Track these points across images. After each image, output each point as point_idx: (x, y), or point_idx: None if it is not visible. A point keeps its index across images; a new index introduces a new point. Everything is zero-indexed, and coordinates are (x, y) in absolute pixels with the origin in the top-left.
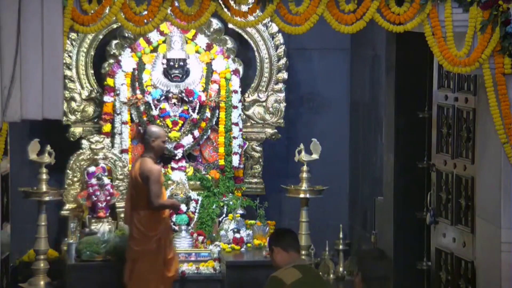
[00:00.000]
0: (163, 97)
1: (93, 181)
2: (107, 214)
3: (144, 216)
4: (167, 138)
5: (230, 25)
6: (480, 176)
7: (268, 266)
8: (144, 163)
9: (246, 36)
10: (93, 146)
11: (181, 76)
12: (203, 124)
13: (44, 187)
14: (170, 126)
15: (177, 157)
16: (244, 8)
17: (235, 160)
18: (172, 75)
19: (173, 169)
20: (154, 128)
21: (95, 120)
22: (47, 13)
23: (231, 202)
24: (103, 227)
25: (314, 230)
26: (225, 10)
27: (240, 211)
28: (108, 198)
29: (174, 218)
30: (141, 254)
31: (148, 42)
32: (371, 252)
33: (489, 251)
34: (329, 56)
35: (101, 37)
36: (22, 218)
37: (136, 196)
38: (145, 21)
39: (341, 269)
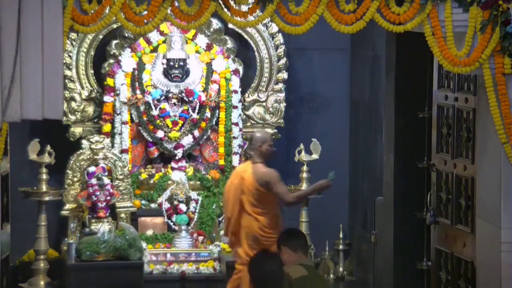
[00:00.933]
0: (163, 97)
1: (93, 181)
2: (107, 214)
3: (264, 222)
4: (272, 141)
5: (230, 25)
6: (480, 176)
7: None
8: (257, 169)
9: (246, 36)
10: (93, 146)
11: (181, 76)
12: (203, 124)
13: (44, 187)
14: (170, 126)
15: (177, 157)
16: (244, 8)
17: (235, 160)
18: (172, 75)
19: (173, 169)
20: (258, 134)
21: (95, 120)
22: (47, 13)
23: None
24: (103, 227)
25: (314, 230)
26: (225, 10)
27: None
28: (108, 198)
29: (174, 218)
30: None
31: (148, 42)
32: (258, 256)
33: (489, 251)
34: (329, 56)
35: (101, 37)
36: (22, 218)
37: (258, 203)
38: (145, 21)
39: (341, 269)
